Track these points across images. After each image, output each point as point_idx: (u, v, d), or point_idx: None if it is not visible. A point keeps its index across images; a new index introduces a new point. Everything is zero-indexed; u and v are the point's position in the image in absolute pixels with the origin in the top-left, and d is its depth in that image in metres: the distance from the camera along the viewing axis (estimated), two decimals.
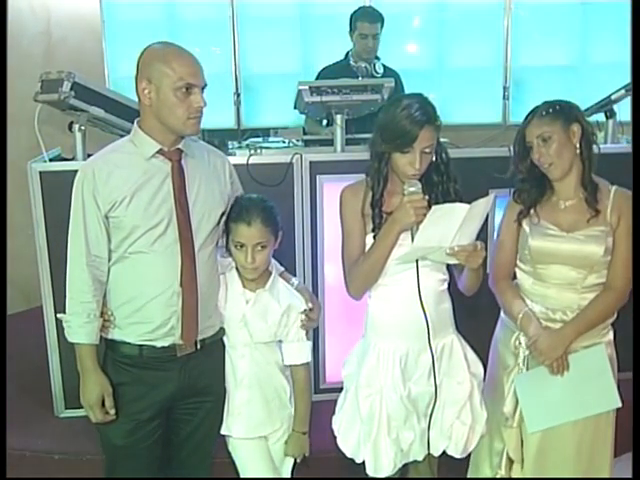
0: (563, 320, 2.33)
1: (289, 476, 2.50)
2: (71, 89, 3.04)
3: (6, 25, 3.02)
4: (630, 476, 2.18)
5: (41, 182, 3.13)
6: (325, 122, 4.13)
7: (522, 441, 2.43)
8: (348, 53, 4.30)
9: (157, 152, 2.12)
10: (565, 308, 2.34)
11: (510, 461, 2.45)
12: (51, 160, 3.22)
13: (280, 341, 2.39)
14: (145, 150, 2.12)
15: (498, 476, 2.47)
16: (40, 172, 3.13)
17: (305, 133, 4.27)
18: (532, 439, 2.39)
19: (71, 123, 3.19)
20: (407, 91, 3.91)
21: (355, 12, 4.23)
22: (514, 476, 2.45)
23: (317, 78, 4.25)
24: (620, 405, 2.31)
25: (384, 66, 4.26)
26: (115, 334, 2.20)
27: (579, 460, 2.38)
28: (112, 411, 2.17)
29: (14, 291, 4.83)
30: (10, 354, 3.25)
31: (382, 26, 4.18)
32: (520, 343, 2.37)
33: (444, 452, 2.35)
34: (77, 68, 3.25)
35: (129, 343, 2.18)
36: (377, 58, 4.25)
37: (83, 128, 3.17)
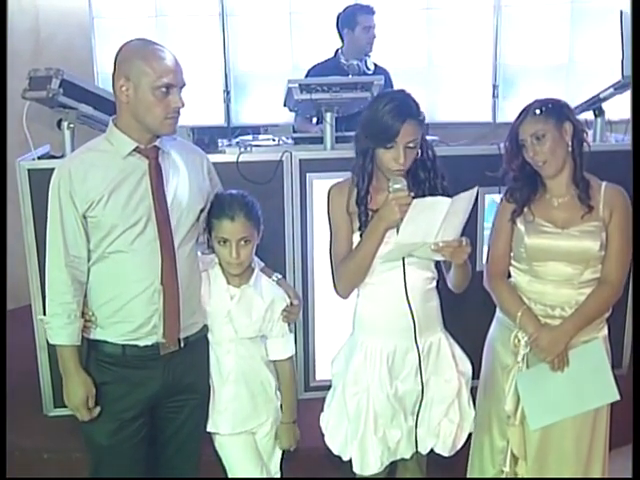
0: (562, 316, 2.35)
1: (277, 469, 2.51)
2: (60, 86, 3.03)
3: (6, 26, 3.00)
4: (628, 472, 2.19)
5: (29, 180, 3.11)
6: (315, 120, 4.13)
7: (524, 438, 2.44)
8: (338, 51, 4.30)
9: (134, 150, 2.11)
10: (563, 304, 2.35)
11: (514, 458, 2.46)
12: (40, 158, 3.21)
13: (264, 336, 2.39)
14: (121, 148, 2.10)
15: (503, 475, 2.47)
16: (28, 170, 3.11)
17: (295, 131, 4.26)
18: (534, 435, 2.40)
19: (60, 120, 3.18)
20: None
21: (350, 9, 4.28)
22: (520, 472, 2.45)
23: (307, 76, 4.24)
24: (619, 398, 2.33)
25: (375, 64, 4.28)
26: (97, 334, 2.18)
27: (578, 454, 2.40)
28: (96, 410, 2.17)
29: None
30: None
31: None
32: (519, 341, 2.38)
33: (432, 450, 2.36)
34: (66, 65, 3.23)
35: (112, 343, 2.17)
36: (367, 55, 4.25)
37: (72, 125, 3.16)
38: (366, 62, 4.20)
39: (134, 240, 2.10)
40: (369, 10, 4.26)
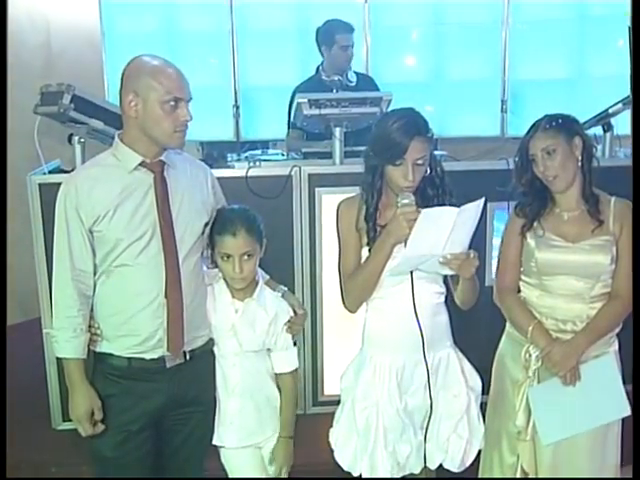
0: (573, 331, 2.34)
1: None
2: (71, 102, 3.06)
3: (6, 28, 3.02)
4: None
5: (40, 194, 3.14)
6: (305, 135, 4.03)
7: (535, 453, 2.43)
8: (318, 68, 4.24)
9: (139, 164, 2.12)
10: (574, 318, 2.35)
11: (524, 473, 2.44)
12: (51, 172, 3.23)
13: (269, 350, 2.39)
14: (127, 163, 2.12)
15: None
16: (39, 184, 3.14)
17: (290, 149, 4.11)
18: (545, 451, 2.39)
19: (70, 135, 3.20)
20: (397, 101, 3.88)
21: (327, 26, 4.16)
22: None
23: (292, 97, 4.13)
24: (630, 413, 2.31)
25: (356, 73, 4.20)
26: (103, 347, 2.19)
27: (590, 470, 2.38)
28: (100, 427, 2.17)
29: (12, 302, 4.82)
30: (7, 366, 3.23)
31: None
32: (530, 356, 2.37)
33: (441, 465, 2.34)
34: (76, 80, 3.26)
35: (117, 355, 2.18)
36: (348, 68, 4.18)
37: (82, 140, 3.18)
38: (347, 75, 4.12)
39: (139, 254, 2.11)
40: (347, 29, 4.13)
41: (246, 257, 2.24)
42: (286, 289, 2.45)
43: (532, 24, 5.22)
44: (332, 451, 2.39)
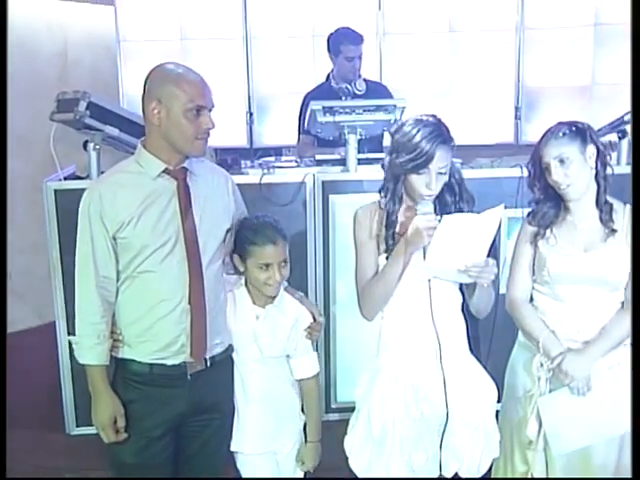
0: (586, 341, 2.32)
1: None
2: (87, 108, 3.08)
3: (6, 29, 3.04)
4: None
5: (56, 200, 3.16)
6: (315, 142, 4.03)
7: (547, 463, 2.41)
8: (329, 75, 4.23)
9: (163, 171, 2.13)
10: (587, 328, 2.33)
11: None
12: (66, 178, 3.25)
13: (288, 356, 2.39)
14: (151, 170, 2.13)
15: None
16: (55, 190, 3.16)
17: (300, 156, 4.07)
18: (557, 461, 2.37)
19: (86, 142, 3.23)
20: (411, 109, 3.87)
21: (335, 35, 4.14)
22: None
23: (302, 104, 4.16)
24: None
25: (367, 81, 4.12)
26: (125, 352, 2.20)
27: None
28: (122, 435, 2.17)
29: (26, 307, 4.86)
30: (22, 370, 3.26)
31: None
32: (542, 365, 2.35)
33: (456, 474, 2.33)
34: (92, 87, 3.29)
35: (139, 361, 2.18)
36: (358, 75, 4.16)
37: (98, 147, 3.20)
38: (355, 83, 4.11)
39: (163, 260, 2.12)
40: (353, 40, 4.06)
41: (283, 264, 2.27)
42: (303, 295, 2.46)
43: (546, 31, 5.21)
44: (347, 458, 2.38)
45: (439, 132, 2.11)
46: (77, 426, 3.33)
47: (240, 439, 2.37)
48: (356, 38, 4.08)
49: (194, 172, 2.19)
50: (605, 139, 2.86)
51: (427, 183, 2.11)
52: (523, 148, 4.71)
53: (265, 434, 2.37)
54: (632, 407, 2.11)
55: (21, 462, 2.83)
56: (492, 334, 2.74)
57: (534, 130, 4.93)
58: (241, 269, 2.31)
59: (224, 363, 2.31)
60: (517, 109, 5.28)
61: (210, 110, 2.11)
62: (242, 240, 2.27)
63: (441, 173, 2.12)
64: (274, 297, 2.33)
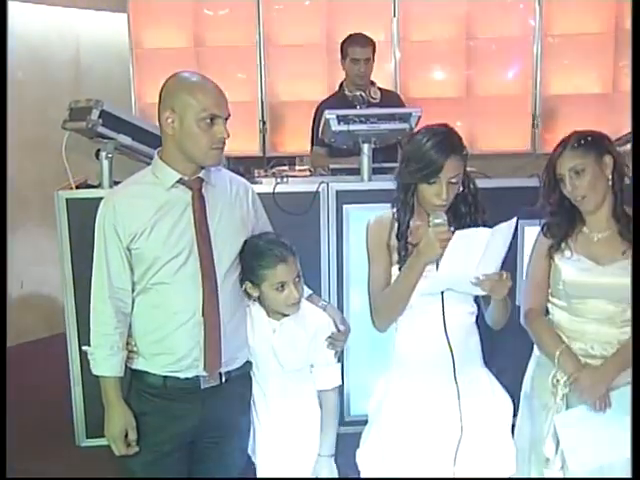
0: (603, 356, 2.27)
1: None
2: (99, 117, 3.08)
3: (6, 28, 3.04)
4: None
5: (67, 209, 3.15)
6: (329, 152, 4.01)
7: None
8: (342, 84, 4.22)
9: (178, 181, 2.11)
10: (605, 344, 2.27)
11: None
12: (78, 187, 3.24)
13: (312, 366, 2.35)
14: (166, 180, 2.11)
15: None
16: (67, 199, 3.15)
17: (314, 166, 4.08)
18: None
19: (98, 150, 3.22)
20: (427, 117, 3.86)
21: (345, 40, 4.15)
22: None
23: (316, 113, 4.15)
24: None
25: (380, 89, 4.17)
26: (139, 364, 2.19)
27: None
28: (134, 448, 2.15)
29: (37, 318, 4.86)
30: (32, 382, 3.25)
31: (374, 51, 4.10)
32: (558, 381, 2.30)
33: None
34: (104, 95, 3.28)
35: (153, 374, 2.17)
36: (372, 83, 4.15)
37: (110, 156, 3.19)
38: (370, 91, 4.07)
39: (176, 272, 2.10)
40: (358, 42, 4.07)
41: (297, 279, 2.24)
42: (327, 303, 2.42)
43: (564, 38, 5.17)
44: (359, 472, 2.35)
45: (450, 141, 2.10)
46: (87, 437, 3.31)
47: (260, 452, 2.34)
48: (362, 40, 4.09)
49: (210, 182, 2.17)
50: (626, 148, 2.80)
51: (438, 193, 2.09)
52: (540, 157, 4.66)
53: (285, 449, 2.33)
54: (632, 407, 2.06)
55: (31, 474, 2.82)
56: (508, 347, 2.69)
57: (552, 139, 4.88)
58: (255, 295, 2.26)
59: (240, 379, 2.27)
60: (534, 117, 5.24)
61: (226, 119, 2.09)
62: (251, 266, 2.22)
63: (452, 183, 2.10)
64: None
